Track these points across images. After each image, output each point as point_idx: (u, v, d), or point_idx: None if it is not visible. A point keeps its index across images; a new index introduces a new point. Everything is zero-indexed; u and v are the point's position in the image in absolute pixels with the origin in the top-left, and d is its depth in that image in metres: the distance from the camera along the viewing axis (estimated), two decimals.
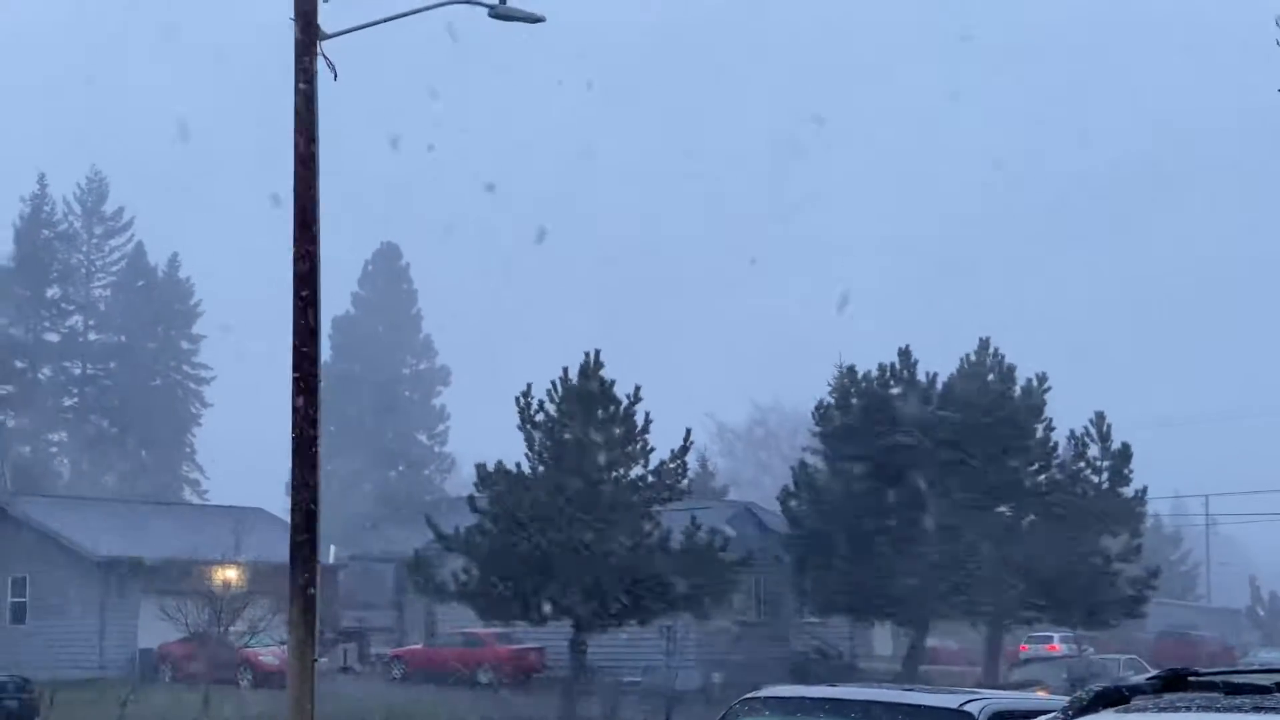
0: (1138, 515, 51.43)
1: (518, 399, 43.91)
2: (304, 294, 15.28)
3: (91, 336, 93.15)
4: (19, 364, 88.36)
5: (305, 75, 15.40)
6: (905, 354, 49.79)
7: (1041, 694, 18.32)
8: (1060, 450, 50.51)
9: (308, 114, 15.39)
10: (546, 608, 42.78)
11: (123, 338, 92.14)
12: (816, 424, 51.04)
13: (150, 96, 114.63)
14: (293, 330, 15.27)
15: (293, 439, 15.18)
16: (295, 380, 15.20)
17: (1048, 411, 49.95)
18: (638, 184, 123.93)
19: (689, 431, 44.63)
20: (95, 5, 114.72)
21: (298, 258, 15.30)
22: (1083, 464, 50.60)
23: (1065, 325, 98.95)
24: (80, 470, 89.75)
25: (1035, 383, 49.85)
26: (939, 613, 48.99)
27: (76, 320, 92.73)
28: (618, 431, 43.82)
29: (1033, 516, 49.37)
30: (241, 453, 73.91)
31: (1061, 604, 49.04)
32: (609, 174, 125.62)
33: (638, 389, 43.92)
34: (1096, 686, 5.67)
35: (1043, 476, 49.99)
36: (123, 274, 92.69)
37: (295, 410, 15.18)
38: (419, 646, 52.92)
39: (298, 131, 15.38)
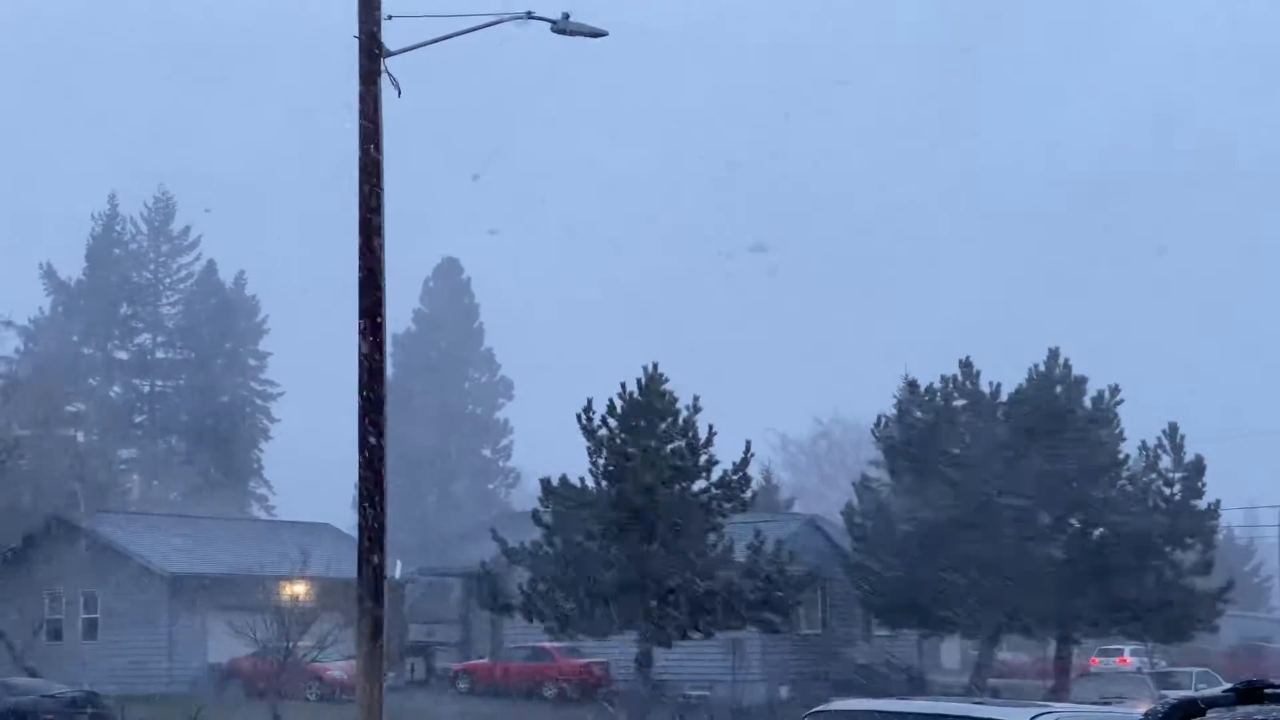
0: (1210, 529, 50.81)
1: (579, 414, 44.01)
2: (368, 310, 15.38)
3: (160, 354, 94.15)
4: (91, 382, 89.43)
5: (370, 92, 15.52)
6: (967, 365, 49.41)
7: (1129, 707, 18.07)
8: (1131, 462, 49.97)
9: (373, 130, 15.50)
10: (611, 622, 42.79)
11: (191, 355, 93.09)
12: (877, 439, 50.79)
13: (217, 116, 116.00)
14: (358, 346, 15.38)
15: (359, 456, 15.27)
16: (361, 397, 15.30)
17: (1119, 422, 49.44)
18: (694, 193, 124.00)
19: (749, 444, 44.60)
20: (162, 25, 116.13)
21: (362, 274, 15.41)
22: (1154, 476, 50.04)
23: (1138, 332, 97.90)
24: (150, 487, 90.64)
25: (1107, 394, 49.35)
26: (1008, 626, 48.58)
27: (146, 338, 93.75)
28: (680, 444, 43.82)
29: (1103, 529, 48.89)
30: (308, 468, 74.46)
31: (1133, 617, 48.52)
32: (662, 183, 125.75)
33: (696, 400, 43.95)
34: (1172, 699, 5.61)
35: (1113, 489, 49.47)
36: (191, 291, 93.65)
37: (361, 426, 15.27)
38: (485, 661, 53.06)
39: (362, 148, 15.49)
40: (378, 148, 15.48)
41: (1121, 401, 49.50)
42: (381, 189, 15.48)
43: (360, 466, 15.26)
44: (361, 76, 15.55)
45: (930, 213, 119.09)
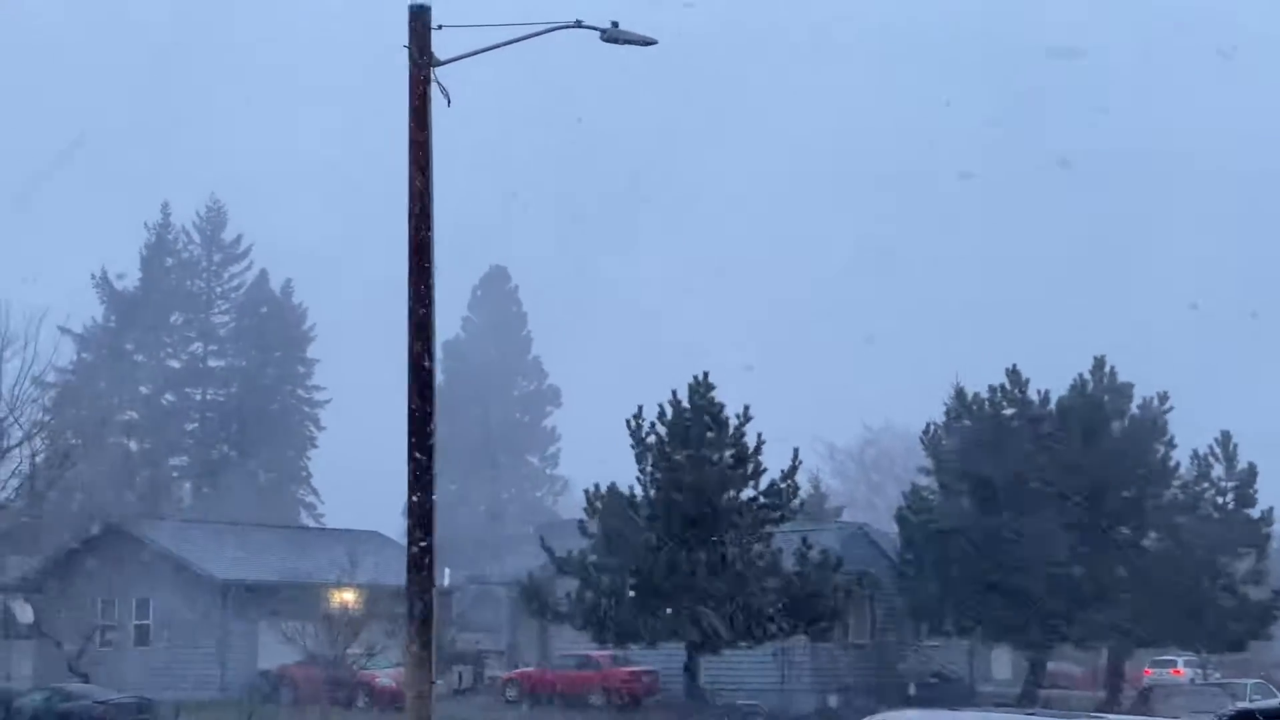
0: (1263, 537, 50.36)
1: (628, 421, 44.06)
2: (418, 317, 15.43)
3: (211, 363, 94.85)
4: (144, 390, 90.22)
5: (420, 101, 15.58)
6: (1014, 374, 49.14)
7: None
8: (1183, 470, 49.59)
9: (422, 139, 15.56)
10: (659, 630, 42.75)
11: (242, 363, 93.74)
12: (926, 448, 50.59)
13: (265, 126, 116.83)
14: (408, 354, 15.43)
15: (408, 464, 15.32)
16: (410, 406, 15.35)
17: (1170, 430, 49.06)
18: (752, 203, 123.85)
19: (796, 451, 44.53)
20: (215, 42, 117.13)
21: (412, 282, 15.47)
22: (1206, 484, 49.65)
23: (1189, 339, 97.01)
24: (201, 494, 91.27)
25: (1156, 402, 48.99)
26: (1059, 636, 48.24)
27: (198, 346, 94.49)
28: (728, 453, 43.77)
29: (1154, 538, 48.51)
30: (356, 475, 74.79)
31: (1186, 627, 48.10)
32: (717, 193, 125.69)
33: (747, 409, 43.90)
34: (1230, 710, 5.56)
35: (1164, 497, 49.10)
36: (242, 300, 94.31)
37: (410, 434, 15.32)
38: (533, 668, 53.11)
39: (412, 160, 15.55)
40: (427, 157, 15.54)
41: (1171, 409, 49.14)
42: (430, 195, 15.53)
43: (409, 475, 15.31)
44: (410, 85, 15.62)
45: (971, 219, 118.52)
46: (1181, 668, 58.01)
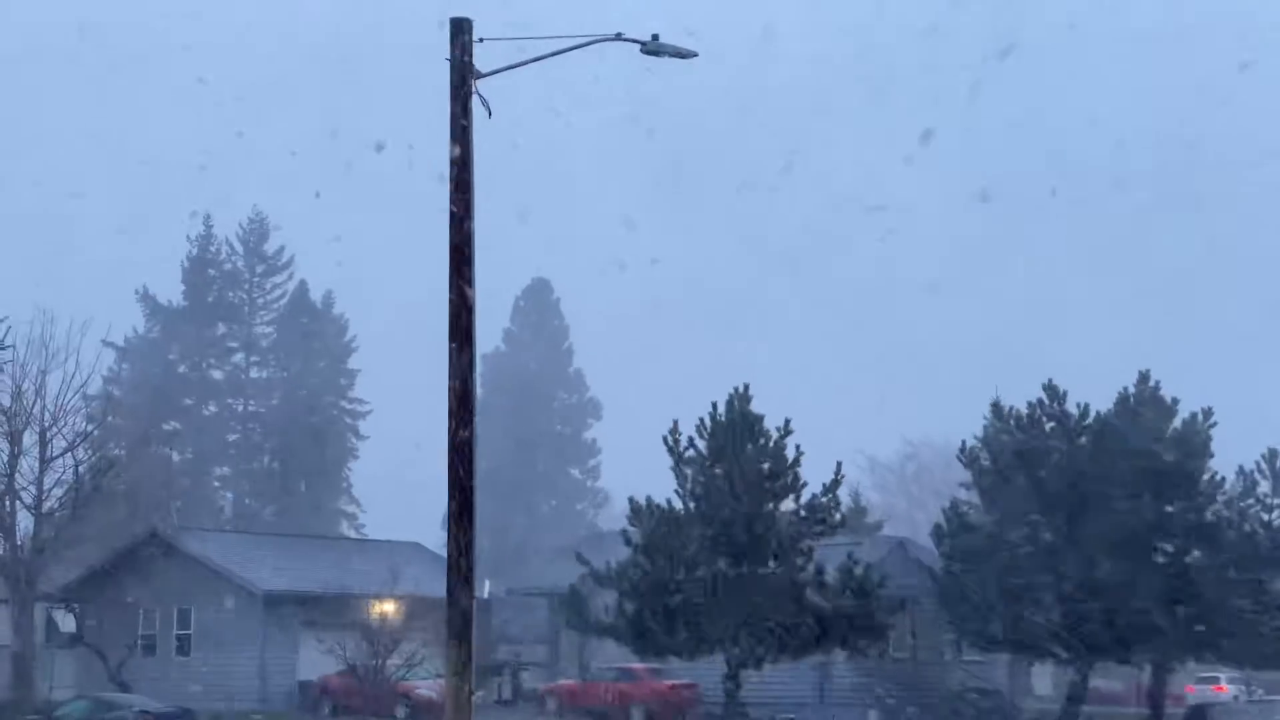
0: None
1: (665, 435, 43.94)
2: (459, 329, 15.45)
3: (253, 373, 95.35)
4: (187, 401, 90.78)
5: (461, 114, 15.62)
6: (1051, 388, 48.79)
7: None
8: (1227, 486, 49.14)
9: (463, 152, 15.59)
10: (699, 643, 42.63)
11: (284, 374, 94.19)
12: (965, 462, 50.32)
13: (304, 138, 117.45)
14: (448, 366, 15.45)
15: (449, 476, 15.34)
16: (451, 416, 15.37)
17: (1214, 446, 48.61)
18: (784, 211, 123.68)
19: (839, 465, 44.32)
20: (257, 55, 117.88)
21: (453, 292, 15.49)
22: (1251, 501, 49.17)
23: (1235, 354, 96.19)
24: (242, 505, 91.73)
25: (1200, 417, 48.59)
26: (1101, 652, 47.85)
27: (240, 357, 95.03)
28: (768, 466, 43.63)
29: (1197, 554, 48.07)
30: (397, 487, 75.00)
31: (1230, 644, 47.63)
32: (759, 203, 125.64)
33: (787, 422, 43.75)
34: None
35: (1208, 513, 48.64)
36: (283, 311, 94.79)
37: (451, 446, 15.34)
38: (573, 681, 53.09)
39: (453, 170, 15.58)
40: (468, 169, 15.57)
41: (1215, 424, 48.72)
42: (471, 207, 15.56)
43: (449, 487, 15.33)
44: (453, 98, 15.65)
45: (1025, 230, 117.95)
46: (1225, 684, 57.46)
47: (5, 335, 29.34)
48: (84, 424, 53.75)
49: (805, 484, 43.65)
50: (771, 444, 43.64)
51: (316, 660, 48.99)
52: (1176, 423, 48.80)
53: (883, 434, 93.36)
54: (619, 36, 16.57)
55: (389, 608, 48.17)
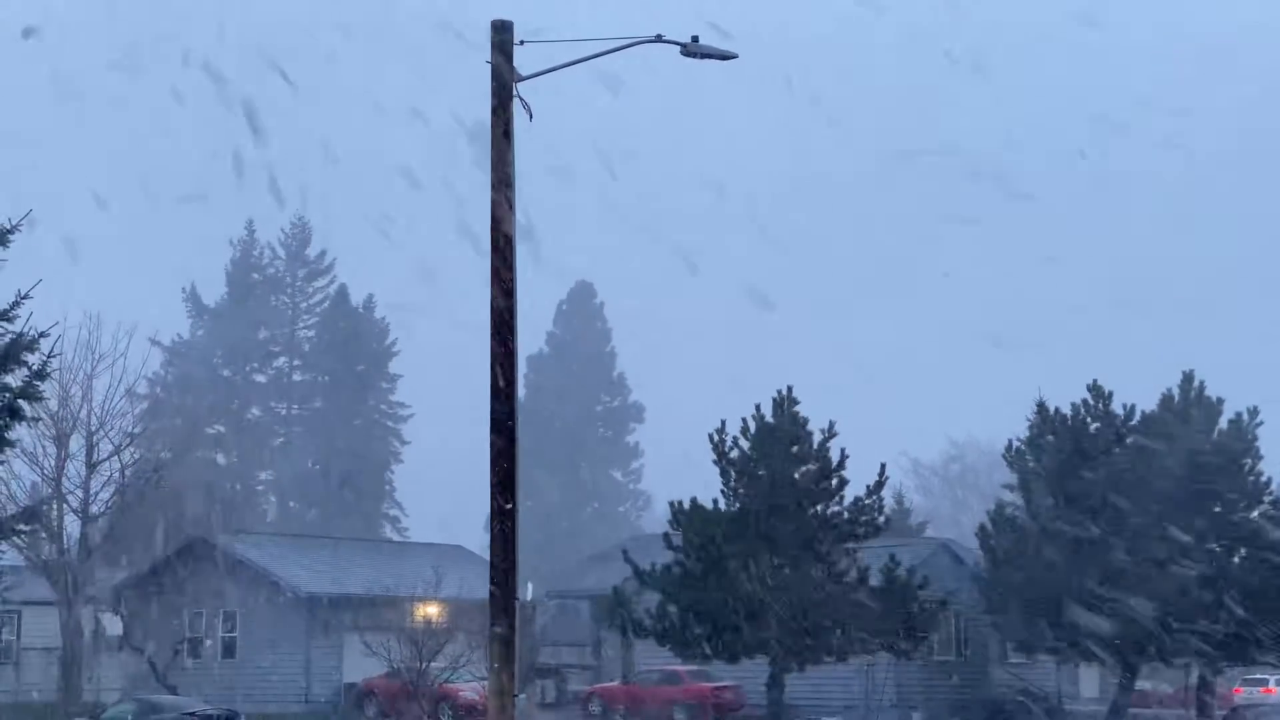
0: None
1: (711, 435, 43.98)
2: (501, 333, 15.45)
3: (296, 377, 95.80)
4: (231, 405, 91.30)
5: (503, 117, 15.62)
6: (1096, 388, 48.48)
7: None
8: (1274, 486, 48.74)
9: (505, 155, 15.59)
10: (743, 645, 42.55)
11: (326, 378, 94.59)
12: (1009, 463, 50.09)
13: (349, 141, 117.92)
14: (490, 370, 15.45)
15: (491, 478, 15.33)
16: (493, 420, 15.37)
17: (1261, 446, 48.23)
18: (828, 217, 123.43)
19: (883, 467, 44.14)
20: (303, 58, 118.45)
21: (495, 297, 15.49)
22: None
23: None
24: (286, 508, 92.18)
25: (1246, 417, 48.21)
26: (1148, 653, 47.50)
27: (283, 361, 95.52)
28: (812, 467, 43.53)
29: (1243, 554, 47.68)
30: (440, 489, 75.24)
31: (1277, 645, 47.20)
32: (801, 209, 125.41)
33: (832, 424, 43.66)
34: None
35: (1255, 513, 48.25)
36: (325, 315, 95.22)
37: (493, 449, 15.33)
38: (616, 683, 53.09)
39: (494, 172, 15.58)
40: (509, 171, 15.57)
41: (1261, 423, 48.35)
42: (513, 211, 15.56)
43: (491, 490, 15.32)
44: (493, 101, 15.66)
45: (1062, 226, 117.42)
46: (1273, 686, 56.96)
47: (57, 342, 29.48)
48: (131, 425, 54.09)
49: (849, 484, 43.56)
50: (815, 446, 43.56)
51: (361, 662, 49.13)
52: (1222, 423, 48.47)
53: (928, 434, 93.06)
54: (659, 39, 16.53)
55: (432, 610, 48.27)
